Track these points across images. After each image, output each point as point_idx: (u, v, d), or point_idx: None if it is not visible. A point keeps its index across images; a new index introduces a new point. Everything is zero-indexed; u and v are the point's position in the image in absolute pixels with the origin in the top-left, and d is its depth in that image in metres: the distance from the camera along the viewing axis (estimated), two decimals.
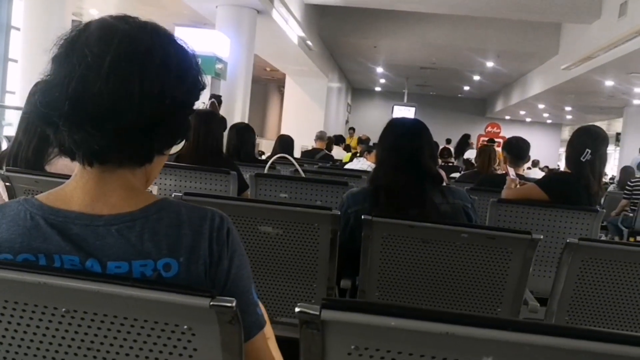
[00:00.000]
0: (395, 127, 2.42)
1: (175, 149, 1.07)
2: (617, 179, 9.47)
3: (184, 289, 0.89)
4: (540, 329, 0.81)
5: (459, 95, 26.11)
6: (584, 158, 3.06)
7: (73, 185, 0.99)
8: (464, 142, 12.32)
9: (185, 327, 0.91)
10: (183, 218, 0.99)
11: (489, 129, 22.67)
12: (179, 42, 1.02)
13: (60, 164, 2.29)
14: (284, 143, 6.16)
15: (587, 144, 3.08)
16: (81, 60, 0.92)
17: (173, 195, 2.12)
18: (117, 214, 0.97)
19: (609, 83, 13.68)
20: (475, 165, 6.23)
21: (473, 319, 0.79)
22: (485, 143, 11.59)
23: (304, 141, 13.28)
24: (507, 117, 25.98)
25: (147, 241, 0.96)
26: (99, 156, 0.96)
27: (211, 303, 0.86)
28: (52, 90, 0.93)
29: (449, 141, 15.13)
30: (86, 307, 0.93)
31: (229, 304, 0.87)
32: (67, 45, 0.95)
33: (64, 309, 0.93)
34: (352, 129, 17.34)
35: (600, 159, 3.09)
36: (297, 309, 0.82)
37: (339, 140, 12.01)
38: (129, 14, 1.02)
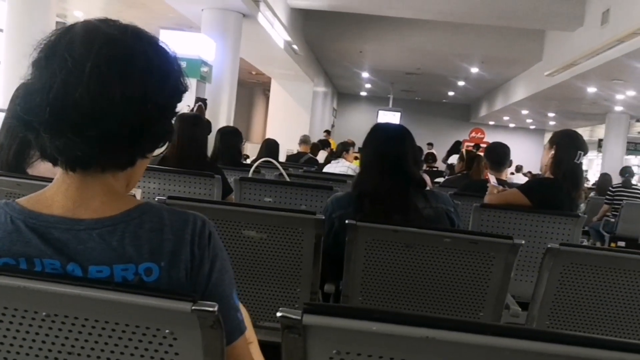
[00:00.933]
0: (379, 132, 2.43)
1: (158, 150, 1.07)
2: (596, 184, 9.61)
3: (166, 293, 0.89)
4: (520, 333, 0.82)
5: (444, 101, 26.25)
6: (578, 160, 3.10)
7: (54, 189, 0.99)
8: (456, 149, 12.40)
9: (167, 331, 0.91)
10: (165, 222, 0.99)
11: (473, 134, 22.80)
12: (160, 45, 1.02)
13: (43, 167, 2.27)
14: (270, 147, 6.15)
15: (579, 147, 3.11)
16: (62, 66, 0.92)
17: (156, 199, 2.11)
18: (98, 219, 0.96)
19: (591, 90, 13.82)
20: (458, 170, 6.29)
21: (453, 323, 0.80)
22: (470, 148, 11.67)
23: (289, 145, 13.28)
24: (491, 123, 26.15)
25: (128, 245, 0.96)
26: (81, 162, 0.95)
27: (193, 307, 0.86)
28: (32, 96, 0.92)
29: (430, 145, 15.18)
30: (67, 312, 0.92)
31: (210, 309, 0.87)
32: (48, 50, 0.94)
33: (44, 313, 0.92)
34: (327, 132, 16.97)
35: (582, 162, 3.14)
36: (278, 314, 0.83)
37: (324, 144, 12.02)
38: (114, 16, 1.01)
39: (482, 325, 0.81)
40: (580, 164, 3.11)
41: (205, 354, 0.92)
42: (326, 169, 6.45)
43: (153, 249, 0.97)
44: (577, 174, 3.13)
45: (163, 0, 9.97)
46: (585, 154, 3.12)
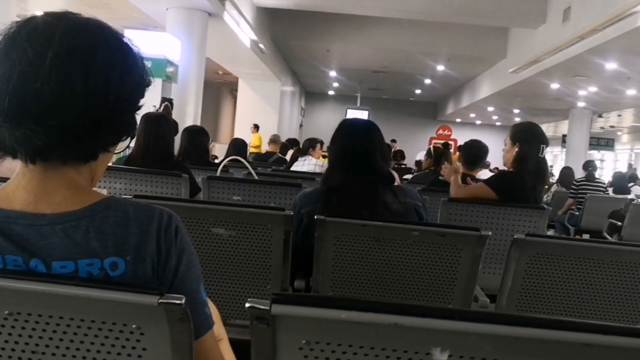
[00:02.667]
0: (346, 127, 2.44)
1: (121, 146, 1.05)
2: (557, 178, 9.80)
3: (132, 287, 0.88)
4: (486, 317, 0.83)
5: (411, 99, 26.47)
6: (542, 154, 3.14)
7: (15, 184, 0.97)
8: (445, 152, 12.44)
9: (134, 326, 0.90)
10: (130, 216, 0.97)
11: (440, 131, 23.04)
12: (123, 39, 1.01)
13: (5, 167, 2.22)
14: (238, 146, 6.11)
15: (542, 140, 3.16)
16: (22, 56, 0.90)
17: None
18: (61, 213, 0.94)
19: (554, 86, 14.07)
20: (425, 165, 6.35)
21: (420, 309, 0.81)
22: (439, 146, 11.77)
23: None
24: (458, 120, 26.46)
25: (93, 240, 0.94)
26: (41, 153, 0.94)
27: (160, 301, 0.85)
28: None
29: (394, 142, 15.23)
30: (30, 309, 0.91)
31: (178, 302, 0.86)
32: (7, 41, 0.92)
33: (6, 311, 0.90)
34: (255, 126, 16.62)
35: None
36: (247, 304, 0.82)
37: (293, 144, 12.00)
38: None
39: (449, 310, 0.82)
40: (544, 157, 3.15)
41: (173, 349, 0.91)
42: (294, 168, 6.37)
43: (118, 244, 0.95)
44: (543, 168, 3.18)
45: (127, 0, 9.85)
46: (547, 146, 3.17)
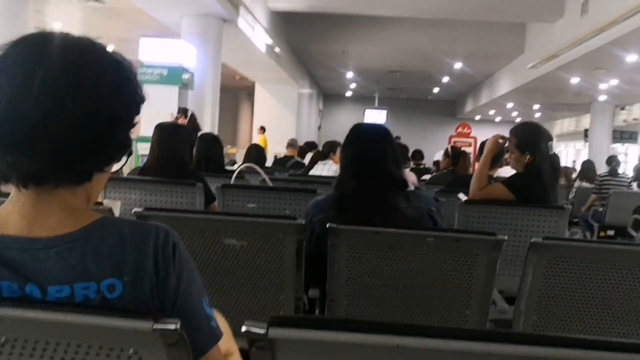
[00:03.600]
0: (358, 133, 2.41)
1: (118, 165, 1.04)
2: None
3: (126, 312, 0.86)
4: (493, 336, 0.79)
5: (429, 98, 26.32)
6: (551, 151, 3.09)
7: (9, 208, 0.95)
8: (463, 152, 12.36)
9: (131, 351, 0.88)
10: (126, 236, 0.96)
11: (460, 129, 22.84)
12: (114, 57, 0.99)
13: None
14: (255, 152, 6.10)
15: (547, 138, 3.10)
16: (10, 80, 0.89)
17: (133, 211, 2.07)
18: (56, 236, 0.93)
19: (574, 80, 13.89)
20: (444, 165, 6.29)
21: (422, 329, 0.78)
22: (457, 146, 11.68)
23: (276, 149, 13.24)
24: (477, 117, 26.24)
25: (89, 262, 0.93)
26: (33, 178, 0.92)
27: (154, 327, 0.83)
28: None
29: (398, 138, 15.09)
30: (27, 335, 0.89)
31: (172, 327, 0.84)
32: None
33: (2, 338, 0.89)
34: (262, 128, 16.15)
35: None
36: (243, 328, 0.80)
37: (311, 147, 11.99)
38: (94, 27, 0.98)
39: (452, 330, 0.79)
40: (554, 152, 3.10)
41: None
42: (313, 172, 6.34)
43: (115, 265, 0.94)
44: (556, 163, 3.13)
45: (142, 9, 9.92)
46: (552, 140, 3.11)
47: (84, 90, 0.91)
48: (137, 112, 1.01)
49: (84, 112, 0.91)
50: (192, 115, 8.06)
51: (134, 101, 1.00)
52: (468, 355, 0.79)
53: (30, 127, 0.89)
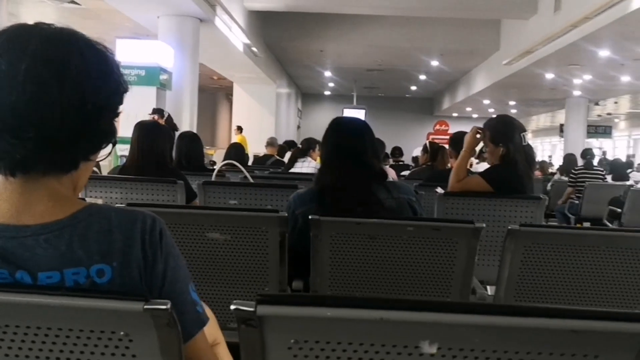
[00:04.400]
0: (337, 126, 2.44)
1: (103, 153, 1.05)
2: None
3: (116, 294, 0.87)
4: (473, 308, 0.83)
5: (407, 96, 26.48)
6: (525, 142, 3.14)
7: None
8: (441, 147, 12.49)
9: (122, 333, 0.90)
10: (113, 222, 0.97)
11: (438, 126, 23.04)
12: (97, 45, 1.01)
13: None
14: (236, 151, 6.10)
15: (520, 129, 3.16)
16: None
17: None
18: (44, 224, 0.94)
19: (549, 76, 14.08)
20: (422, 161, 6.36)
21: (405, 303, 0.81)
22: (435, 141, 11.79)
23: (255, 148, 13.22)
24: (455, 115, 26.45)
25: (77, 248, 0.94)
26: (20, 166, 0.94)
27: (145, 307, 0.85)
28: None
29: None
30: (18, 321, 0.90)
31: (163, 307, 0.86)
32: None
33: None
34: (239, 128, 15.92)
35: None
36: (232, 307, 0.82)
37: (290, 145, 12.00)
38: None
39: (434, 302, 0.82)
40: (527, 143, 3.15)
41: (163, 354, 0.91)
42: (293, 170, 6.34)
43: (103, 250, 0.95)
44: (530, 154, 3.18)
45: (118, 10, 9.86)
46: (525, 131, 3.17)
47: (70, 78, 0.93)
48: (121, 101, 1.03)
49: (70, 100, 0.92)
50: (169, 116, 8.04)
51: (118, 90, 1.01)
52: (448, 327, 0.82)
53: (16, 115, 0.90)
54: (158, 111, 7.37)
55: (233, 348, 1.36)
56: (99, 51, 1.00)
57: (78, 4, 10.42)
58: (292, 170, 6.33)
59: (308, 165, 6.24)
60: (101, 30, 11.83)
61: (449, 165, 5.45)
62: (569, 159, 9.28)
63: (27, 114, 0.90)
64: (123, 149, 6.20)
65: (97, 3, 10.15)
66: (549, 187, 8.49)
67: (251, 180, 3.67)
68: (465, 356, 0.83)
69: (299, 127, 24.01)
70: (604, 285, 2.07)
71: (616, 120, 25.70)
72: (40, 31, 0.95)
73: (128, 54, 8.69)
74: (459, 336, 0.83)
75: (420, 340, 0.83)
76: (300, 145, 7.38)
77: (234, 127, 16.92)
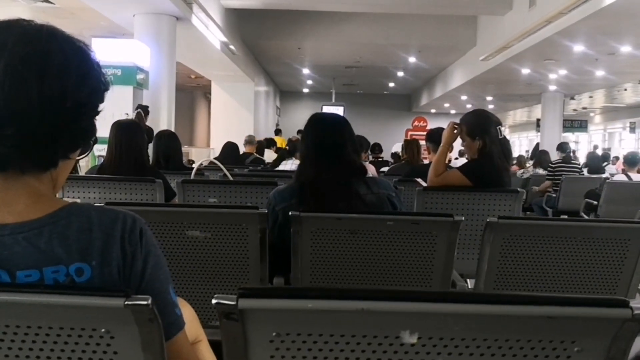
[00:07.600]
0: (317, 122, 2.45)
1: (84, 152, 1.05)
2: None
3: (97, 290, 0.87)
4: (451, 297, 0.84)
5: (385, 92, 26.55)
6: (501, 135, 3.18)
7: None
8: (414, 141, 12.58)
9: (103, 330, 0.89)
10: (93, 221, 0.97)
11: (416, 122, 23.12)
12: (78, 43, 1.00)
13: None
14: (230, 150, 6.09)
15: (496, 122, 3.20)
16: None
17: None
18: (23, 222, 0.94)
19: (525, 71, 14.21)
20: (403, 157, 6.39)
21: (384, 293, 0.82)
22: (414, 137, 11.86)
23: None
24: (433, 111, 26.58)
25: (57, 247, 0.94)
26: (0, 163, 0.93)
27: (126, 302, 0.85)
28: None
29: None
30: None
31: (144, 302, 0.86)
32: None
33: None
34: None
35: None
36: (214, 301, 0.82)
37: (270, 143, 11.98)
38: None
39: (413, 292, 0.83)
40: (504, 136, 3.19)
41: (145, 350, 0.91)
42: (278, 168, 6.40)
43: (82, 249, 0.95)
44: (507, 146, 3.22)
45: (93, 8, 9.74)
46: (501, 125, 3.21)
47: (50, 76, 0.92)
48: (102, 99, 1.02)
49: (50, 98, 0.92)
50: (139, 113, 7.98)
51: (99, 89, 1.01)
52: (428, 316, 0.83)
53: None
54: (143, 108, 7.30)
55: (215, 346, 1.36)
56: (80, 48, 0.99)
57: (52, 2, 10.27)
58: (279, 168, 6.39)
59: (292, 164, 6.27)
60: (76, 30, 11.61)
61: (427, 160, 5.49)
62: (542, 153, 9.43)
63: (6, 111, 0.90)
64: (100, 149, 6.15)
65: (71, 2, 10.03)
66: (525, 175, 8.60)
67: (230, 178, 3.65)
68: (445, 345, 0.84)
69: (277, 124, 23.95)
70: (581, 274, 2.10)
71: (592, 114, 26.04)
72: (20, 28, 0.94)
73: (104, 53, 8.58)
74: (439, 325, 0.84)
75: (400, 330, 0.84)
76: (286, 148, 7.45)
77: (214, 126, 16.90)
